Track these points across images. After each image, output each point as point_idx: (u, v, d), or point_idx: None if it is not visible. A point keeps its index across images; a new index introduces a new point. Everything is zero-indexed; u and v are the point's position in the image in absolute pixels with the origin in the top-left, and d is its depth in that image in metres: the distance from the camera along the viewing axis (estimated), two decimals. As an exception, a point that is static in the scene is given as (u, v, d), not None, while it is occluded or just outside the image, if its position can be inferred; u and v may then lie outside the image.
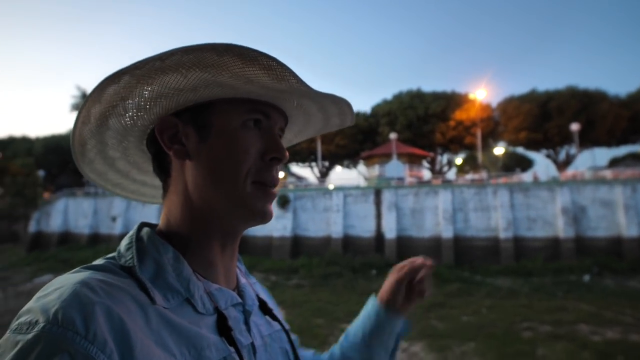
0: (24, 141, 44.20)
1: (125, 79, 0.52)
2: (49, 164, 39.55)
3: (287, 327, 0.73)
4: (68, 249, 24.59)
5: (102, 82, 0.52)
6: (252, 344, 0.60)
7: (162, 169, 0.62)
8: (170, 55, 0.50)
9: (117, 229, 25.71)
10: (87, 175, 0.69)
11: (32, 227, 28.41)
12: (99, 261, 0.54)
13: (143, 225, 0.61)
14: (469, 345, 9.16)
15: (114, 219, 26.28)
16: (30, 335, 0.39)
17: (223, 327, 0.56)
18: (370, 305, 0.91)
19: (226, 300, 0.60)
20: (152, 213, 24.95)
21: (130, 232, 0.59)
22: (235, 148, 0.58)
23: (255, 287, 0.74)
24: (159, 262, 0.55)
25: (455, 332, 10.10)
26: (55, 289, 0.44)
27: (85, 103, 0.56)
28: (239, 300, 0.63)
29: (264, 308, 0.71)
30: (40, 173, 33.66)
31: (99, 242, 25.49)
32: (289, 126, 0.72)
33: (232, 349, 0.55)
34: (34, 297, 0.44)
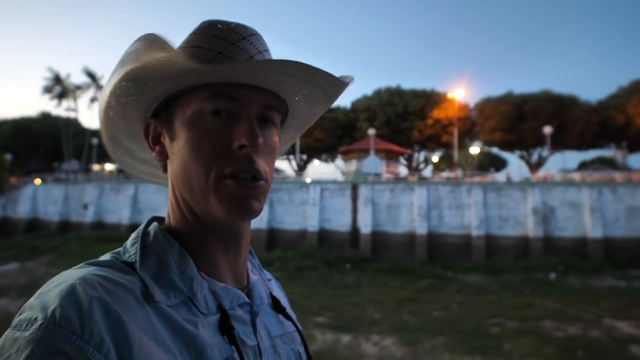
0: (-10, 123, 42.23)
1: (101, 94, 0.59)
2: (17, 147, 38.00)
3: (300, 327, 0.68)
4: (36, 237, 23.68)
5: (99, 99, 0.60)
6: (258, 346, 0.57)
7: (162, 165, 0.62)
8: (112, 73, 0.54)
9: (88, 217, 25.04)
10: (131, 172, 0.73)
11: (-3, 212, 27.32)
12: (103, 257, 0.53)
13: (153, 219, 0.60)
14: (439, 340, 9.37)
15: (85, 207, 25.55)
16: (27, 333, 0.39)
17: (225, 326, 0.54)
18: None
19: (232, 300, 0.57)
20: (125, 201, 24.40)
21: (139, 227, 0.57)
22: (195, 141, 0.53)
23: (269, 285, 0.70)
24: (162, 259, 0.53)
25: (426, 326, 10.31)
26: (57, 285, 0.44)
27: (99, 123, 0.62)
28: (246, 299, 0.59)
29: (277, 306, 0.67)
30: (7, 157, 32.31)
31: (69, 229, 24.68)
32: (292, 105, 0.63)
33: (234, 349, 0.53)
34: (37, 293, 0.44)
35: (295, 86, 0.57)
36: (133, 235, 0.56)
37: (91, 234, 22.98)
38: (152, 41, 0.49)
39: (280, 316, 0.66)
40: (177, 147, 0.55)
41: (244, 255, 0.62)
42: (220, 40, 0.54)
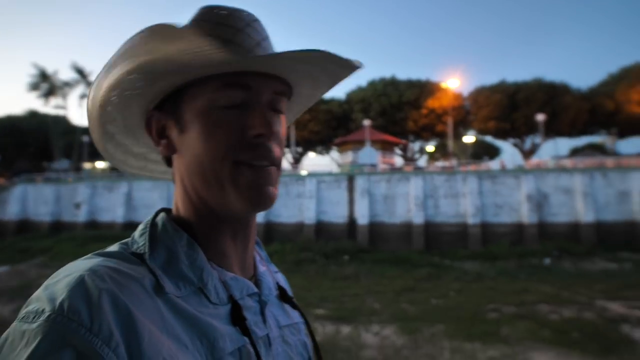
0: (-23, 123, 41.43)
1: (93, 89, 0.55)
2: (4, 147, 37.36)
3: (307, 319, 0.70)
4: (27, 238, 23.29)
5: (88, 95, 0.54)
6: (268, 336, 0.58)
7: (165, 158, 0.60)
8: (110, 67, 0.51)
9: (81, 216, 24.76)
10: (113, 164, 0.69)
11: (-15, 214, 26.84)
12: (111, 247, 0.52)
13: (161, 211, 0.59)
14: (438, 327, 9.44)
15: (77, 206, 25.25)
16: (35, 325, 0.39)
17: (237, 317, 0.53)
18: None
19: (241, 290, 0.57)
20: (119, 199, 24.17)
21: (147, 218, 0.57)
22: (209, 132, 0.52)
23: (276, 276, 0.71)
24: (171, 250, 0.53)
25: (425, 315, 10.39)
26: (65, 276, 0.43)
27: (90, 120, 0.58)
28: (255, 289, 0.59)
29: (284, 297, 0.67)
30: (-5, 157, 31.86)
31: (61, 230, 24.35)
32: (296, 88, 0.61)
33: (246, 339, 0.52)
34: (43, 285, 0.43)
35: (307, 72, 0.57)
36: (141, 226, 0.56)
37: (85, 233, 22.71)
38: (164, 31, 0.46)
39: (287, 307, 0.67)
40: (189, 139, 0.54)
41: (251, 245, 0.62)
42: (227, 27, 0.53)
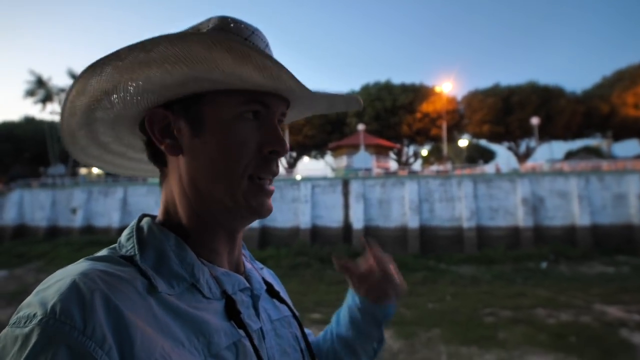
0: (-27, 128, 41.25)
1: (107, 71, 0.49)
2: (0, 153, 37.23)
3: (296, 312, 0.72)
4: (24, 243, 23.23)
5: (83, 73, 0.49)
6: (261, 329, 0.59)
7: (157, 158, 0.60)
8: (154, 46, 0.46)
9: (77, 221, 24.67)
10: (84, 161, 0.67)
11: (-18, 220, 26.76)
12: (100, 252, 0.53)
13: (143, 216, 0.60)
14: (434, 332, 9.44)
15: (74, 211, 25.15)
16: (27, 329, 0.38)
17: (232, 311, 0.54)
18: (350, 297, 0.88)
19: (233, 285, 0.58)
20: (115, 204, 24.08)
21: (131, 223, 0.57)
22: (231, 143, 0.55)
23: (262, 273, 0.73)
24: (160, 250, 0.53)
25: (422, 319, 10.37)
26: (56, 281, 0.43)
27: (69, 95, 0.53)
28: (247, 284, 0.61)
29: (271, 291, 0.69)
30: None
31: (57, 235, 24.29)
32: (292, 106, 0.66)
33: (241, 333, 0.54)
34: (34, 291, 0.43)
35: (310, 102, 0.64)
36: (127, 231, 0.56)
37: (81, 238, 22.67)
38: (229, 43, 0.47)
39: (276, 301, 0.68)
40: (206, 144, 0.55)
41: (239, 242, 0.64)
42: (235, 37, 0.54)
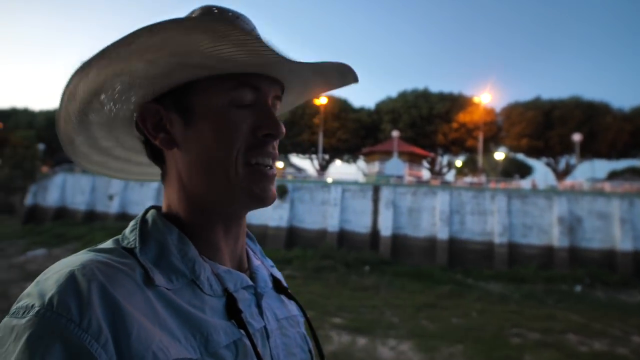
0: (26, 114, 43.75)
1: (93, 73, 0.48)
2: (49, 138, 39.31)
3: (304, 310, 0.69)
4: (63, 224, 24.54)
5: (72, 76, 0.48)
6: (265, 328, 0.58)
7: (156, 156, 0.59)
8: (135, 38, 0.45)
9: (113, 207, 25.75)
10: (87, 168, 0.67)
11: (28, 200, 28.34)
12: (104, 243, 0.53)
13: (151, 208, 0.59)
14: (457, 348, 9.23)
15: (110, 198, 26.27)
16: (24, 320, 0.39)
17: (232, 309, 0.53)
18: None
19: (235, 283, 0.57)
20: (149, 193, 24.95)
21: (138, 215, 0.57)
22: (223, 129, 0.54)
23: (272, 270, 0.71)
24: (162, 244, 0.53)
25: (445, 333, 10.17)
26: (55, 272, 0.43)
27: (62, 101, 0.52)
28: (250, 282, 0.59)
29: (279, 287, 0.67)
30: (40, 146, 33.48)
31: (94, 219, 25.46)
32: (287, 90, 0.64)
33: (242, 332, 0.52)
34: (35, 281, 0.44)
35: (304, 80, 0.61)
36: (132, 223, 0.56)
37: (115, 224, 23.59)
38: (211, 23, 0.47)
39: (284, 298, 0.66)
40: (199, 134, 0.54)
41: (242, 239, 0.63)
42: (216, 20, 0.53)
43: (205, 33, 0.46)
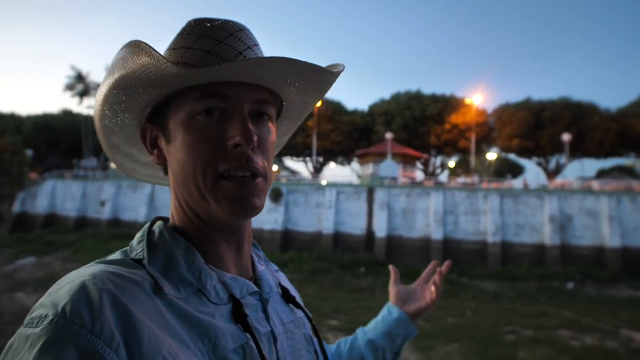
0: (12, 118, 42.93)
1: (97, 104, 0.59)
2: (37, 143, 38.81)
3: (309, 313, 0.71)
4: (53, 232, 24.06)
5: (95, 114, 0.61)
6: (272, 332, 0.59)
7: (163, 167, 0.62)
8: (106, 82, 0.55)
9: (105, 213, 25.38)
10: (127, 174, 0.74)
11: (16, 207, 27.81)
12: (112, 255, 0.55)
13: (157, 219, 0.61)
14: (452, 346, 9.33)
15: (102, 204, 25.92)
16: (38, 329, 0.40)
17: (238, 314, 0.54)
18: (389, 310, 0.96)
19: (241, 289, 0.58)
20: (142, 199, 24.71)
21: (144, 227, 0.59)
22: (191, 143, 0.54)
23: (277, 275, 0.72)
24: (169, 254, 0.55)
25: (440, 332, 10.25)
26: (67, 283, 0.45)
27: (97, 132, 0.64)
28: (255, 288, 0.61)
29: (287, 296, 0.68)
30: (28, 152, 33.01)
31: (85, 226, 25.09)
32: (287, 90, 0.62)
33: (249, 336, 0.53)
34: (47, 292, 0.46)
35: (287, 80, 0.58)
36: (139, 234, 0.58)
37: (107, 230, 23.33)
38: (137, 47, 0.50)
39: (291, 305, 0.68)
40: (174, 150, 0.56)
41: (246, 248, 0.63)
42: (208, 39, 0.55)
43: (141, 53, 0.50)
